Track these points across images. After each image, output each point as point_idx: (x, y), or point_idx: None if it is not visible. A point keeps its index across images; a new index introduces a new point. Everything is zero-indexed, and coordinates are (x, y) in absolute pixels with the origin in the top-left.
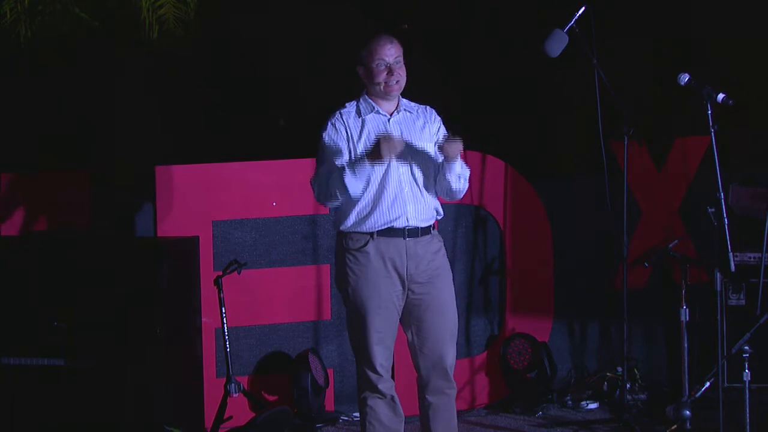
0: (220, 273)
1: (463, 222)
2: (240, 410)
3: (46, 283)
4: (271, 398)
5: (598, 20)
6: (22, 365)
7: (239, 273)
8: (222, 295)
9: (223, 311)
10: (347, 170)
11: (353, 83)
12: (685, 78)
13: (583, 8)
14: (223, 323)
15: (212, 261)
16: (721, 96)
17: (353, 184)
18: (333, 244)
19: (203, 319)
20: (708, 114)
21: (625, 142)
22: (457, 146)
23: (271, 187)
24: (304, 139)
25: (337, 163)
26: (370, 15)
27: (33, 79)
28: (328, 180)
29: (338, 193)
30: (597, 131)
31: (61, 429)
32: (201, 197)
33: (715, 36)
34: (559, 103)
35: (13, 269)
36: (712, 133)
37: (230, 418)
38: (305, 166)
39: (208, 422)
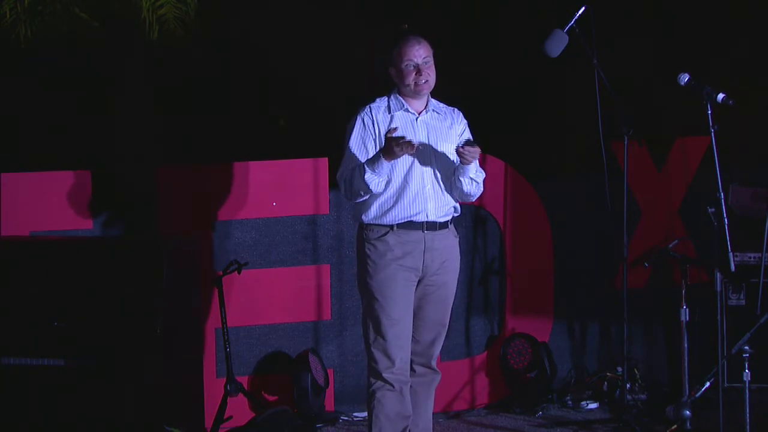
0: (220, 273)
1: (463, 222)
2: (240, 410)
3: (46, 283)
4: (271, 398)
5: (598, 20)
6: (22, 365)
7: (239, 273)
8: (222, 295)
9: (224, 311)
10: (367, 168)
11: (353, 83)
12: (685, 78)
13: (583, 8)
14: (223, 323)
15: (212, 261)
16: (721, 96)
17: (374, 181)
18: (333, 244)
19: (203, 319)
20: (708, 114)
21: (625, 142)
22: (475, 151)
23: (271, 187)
24: (304, 139)
25: (360, 159)
26: (370, 15)
27: (33, 79)
28: (352, 178)
29: (362, 192)
30: (597, 131)
31: (61, 429)
32: (201, 197)
33: (715, 35)
34: (559, 103)
35: (13, 269)
36: (712, 133)
37: (230, 418)
38: (305, 166)
39: (208, 422)
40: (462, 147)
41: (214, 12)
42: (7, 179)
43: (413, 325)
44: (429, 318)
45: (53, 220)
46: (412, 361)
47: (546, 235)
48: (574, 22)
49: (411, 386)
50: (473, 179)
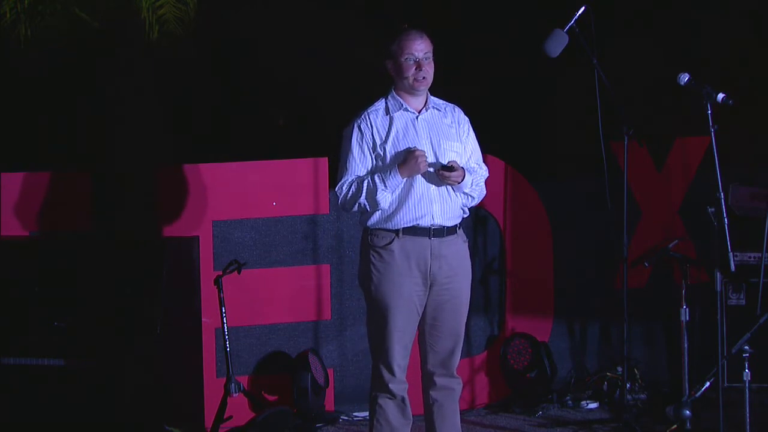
0: (220, 273)
1: (463, 222)
2: (240, 410)
3: (46, 283)
4: (271, 398)
5: (598, 20)
6: (22, 365)
7: (239, 273)
8: (222, 295)
9: (223, 311)
10: (379, 184)
11: (353, 83)
12: (685, 78)
13: (583, 8)
14: (223, 323)
15: (212, 261)
16: (721, 96)
17: (385, 198)
18: (333, 244)
19: (203, 319)
20: (708, 114)
21: (625, 142)
22: (457, 174)
23: (271, 187)
24: (304, 139)
25: (373, 177)
26: (370, 14)
27: (32, 79)
28: (358, 193)
29: (368, 207)
30: (597, 131)
31: (61, 429)
32: (201, 197)
33: (716, 35)
34: (559, 103)
35: (13, 269)
36: (712, 133)
37: (230, 418)
38: (305, 166)
39: (208, 422)
40: (439, 171)
41: (214, 12)
42: (7, 179)
43: (431, 337)
44: (447, 327)
45: (53, 221)
46: (432, 374)
47: (546, 235)
48: (574, 22)
49: (436, 401)
50: (468, 194)
